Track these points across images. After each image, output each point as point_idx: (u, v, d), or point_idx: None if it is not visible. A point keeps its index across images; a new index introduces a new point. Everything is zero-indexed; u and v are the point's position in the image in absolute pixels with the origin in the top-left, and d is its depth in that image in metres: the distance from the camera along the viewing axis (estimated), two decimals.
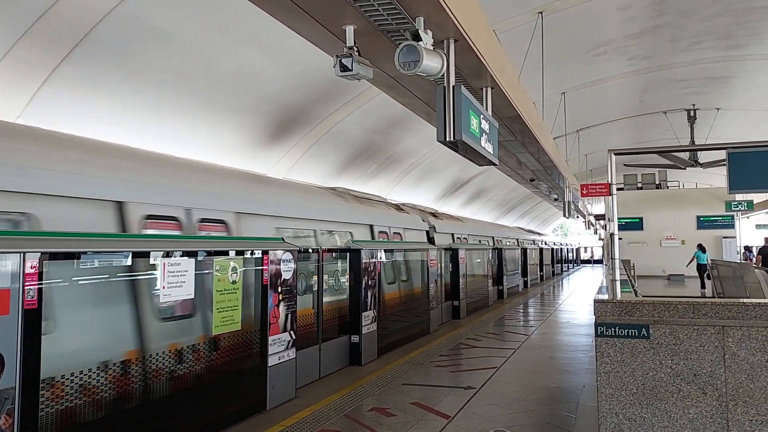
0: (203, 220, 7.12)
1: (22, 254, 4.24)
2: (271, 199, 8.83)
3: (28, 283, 4.25)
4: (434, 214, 17.97)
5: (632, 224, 30.26)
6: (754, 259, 26.03)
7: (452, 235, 17.96)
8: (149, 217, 6.39)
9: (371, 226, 12.20)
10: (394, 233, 13.49)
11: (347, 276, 10.04)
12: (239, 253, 6.84)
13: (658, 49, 17.35)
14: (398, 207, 15.12)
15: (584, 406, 7.19)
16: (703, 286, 23.59)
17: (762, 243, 25.98)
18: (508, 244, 25.93)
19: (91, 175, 5.84)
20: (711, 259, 23.09)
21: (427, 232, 15.84)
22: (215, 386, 6.41)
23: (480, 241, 21.48)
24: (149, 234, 6.35)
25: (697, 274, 24.44)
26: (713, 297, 19.13)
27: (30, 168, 5.23)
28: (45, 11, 7.33)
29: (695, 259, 24.29)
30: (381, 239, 12.45)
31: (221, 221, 7.45)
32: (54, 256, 4.59)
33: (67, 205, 5.54)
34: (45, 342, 4.41)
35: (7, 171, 5.00)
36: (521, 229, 36.87)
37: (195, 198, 7.08)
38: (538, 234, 41.71)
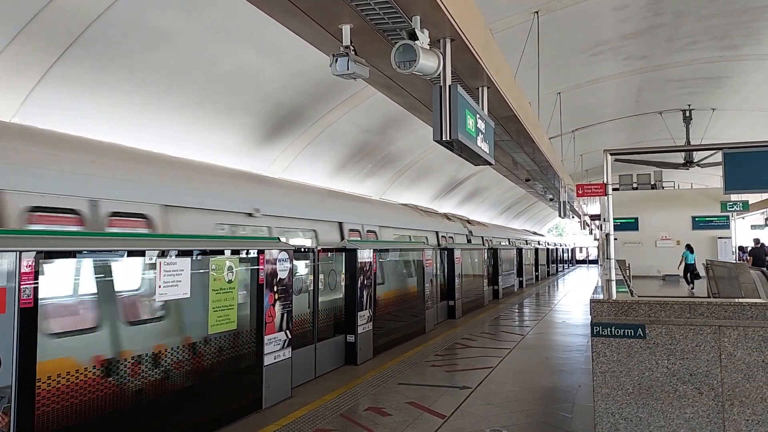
0: (367, 231, 12.17)
1: (17, 253, 4.23)
2: (392, 216, 14.19)
3: (24, 282, 4.24)
4: (468, 221, 22.80)
5: (628, 224, 30.29)
6: (746, 260, 26.14)
7: (482, 237, 22.77)
8: (350, 230, 11.30)
9: (437, 233, 16.97)
10: (450, 237, 18.13)
11: (343, 275, 10.05)
12: (235, 252, 6.83)
13: (654, 49, 17.37)
14: (447, 217, 19.86)
15: (580, 406, 7.20)
16: (690, 285, 23.76)
17: (752, 244, 26.13)
18: (519, 243, 30.36)
19: (335, 209, 11.12)
20: (707, 260, 23.17)
21: (467, 235, 20.38)
22: (211, 385, 6.40)
23: (500, 241, 26.20)
24: (144, 233, 6.36)
25: (691, 274, 24.55)
26: (708, 297, 19.18)
27: (316, 207, 10.44)
28: (40, 10, 7.30)
29: (684, 259, 24.43)
30: (443, 242, 17.08)
31: (373, 231, 12.54)
32: (49, 255, 4.58)
33: (326, 225, 10.47)
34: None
35: (304, 209, 9.99)
36: (527, 230, 41.11)
37: (363, 218, 12.19)
38: (541, 235, 45.20)
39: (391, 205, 15.77)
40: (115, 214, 6.03)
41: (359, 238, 11.49)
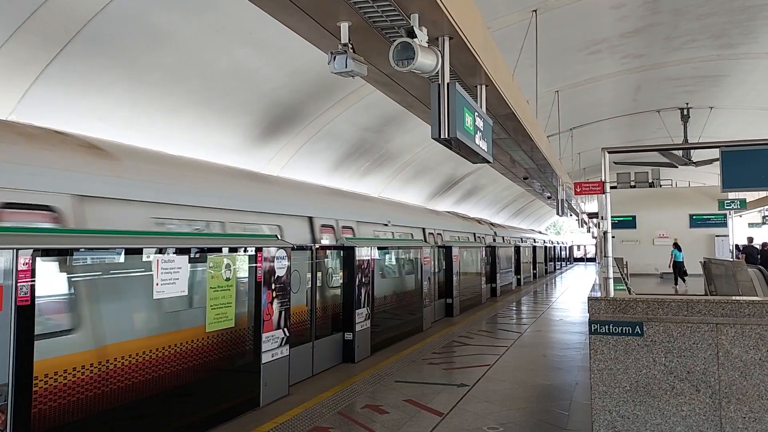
0: (437, 233, 16.69)
1: (14, 250, 4.21)
2: (448, 222, 18.52)
3: (21, 280, 4.23)
4: (492, 224, 27.64)
5: (625, 222, 30.21)
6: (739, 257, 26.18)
7: (503, 237, 27.01)
8: (429, 233, 15.89)
9: (474, 234, 21.80)
10: (482, 237, 22.82)
11: (341, 273, 10.07)
12: (233, 250, 6.82)
13: (652, 48, 17.36)
14: (478, 220, 24.68)
15: (577, 404, 7.21)
16: (676, 283, 23.81)
17: (745, 243, 26.18)
18: (529, 241, 34.26)
19: (421, 219, 16.01)
20: (704, 258, 23.18)
21: (492, 235, 24.81)
22: (209, 383, 6.39)
23: (516, 240, 30.24)
24: (141, 231, 6.35)
25: (680, 272, 24.55)
26: (705, 295, 19.18)
27: (413, 219, 15.56)
28: (37, 8, 7.28)
29: (673, 257, 24.46)
30: (478, 241, 21.81)
31: (440, 234, 16.92)
32: (46, 252, 4.57)
33: (417, 230, 15.12)
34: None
35: (408, 220, 14.98)
36: (533, 230, 44.19)
37: (435, 225, 16.80)
38: (545, 234, 48.27)
39: (445, 214, 20.76)
40: (343, 227, 10.70)
41: (432, 239, 16.06)
